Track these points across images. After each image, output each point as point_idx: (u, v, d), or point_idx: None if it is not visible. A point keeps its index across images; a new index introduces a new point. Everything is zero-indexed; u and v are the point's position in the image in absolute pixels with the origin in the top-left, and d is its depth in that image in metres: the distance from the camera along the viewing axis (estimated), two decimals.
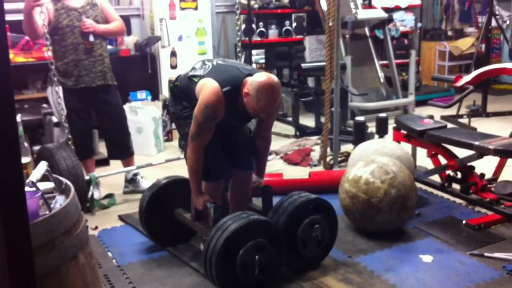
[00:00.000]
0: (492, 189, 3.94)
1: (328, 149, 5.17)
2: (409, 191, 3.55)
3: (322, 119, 5.44)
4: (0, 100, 1.28)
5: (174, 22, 6.63)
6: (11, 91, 1.31)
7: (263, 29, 7.60)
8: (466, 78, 4.63)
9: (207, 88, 3.00)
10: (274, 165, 5.22)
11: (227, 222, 2.86)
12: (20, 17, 4.11)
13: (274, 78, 2.99)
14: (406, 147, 4.40)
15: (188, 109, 3.22)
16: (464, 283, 3.05)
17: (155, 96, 6.44)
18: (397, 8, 8.51)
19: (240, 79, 3.02)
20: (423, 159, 4.64)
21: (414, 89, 6.86)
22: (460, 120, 6.65)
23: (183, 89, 3.25)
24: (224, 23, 7.71)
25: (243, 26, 6.73)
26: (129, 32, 6.62)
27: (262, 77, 2.95)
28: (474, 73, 4.69)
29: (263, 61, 7.45)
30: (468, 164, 3.98)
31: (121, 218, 4.13)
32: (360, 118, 5.29)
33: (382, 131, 4.91)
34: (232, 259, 2.79)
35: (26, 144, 4.75)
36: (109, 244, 3.68)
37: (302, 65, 6.39)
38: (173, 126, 5.58)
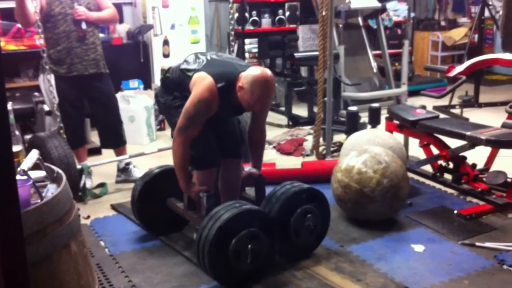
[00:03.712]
0: (484, 179, 3.96)
1: (321, 139, 5.17)
2: (401, 181, 3.56)
3: (315, 109, 5.43)
4: None
5: (166, 10, 6.59)
6: (1, 79, 1.30)
7: (256, 18, 7.57)
8: (459, 68, 4.64)
9: (201, 82, 3.00)
10: (267, 155, 5.21)
11: (219, 211, 2.86)
12: (11, 4, 4.08)
13: (267, 71, 3.01)
14: (399, 137, 4.40)
15: (179, 99, 3.21)
16: (456, 272, 3.07)
17: (147, 85, 6.41)
18: None
19: (235, 75, 3.02)
20: (415, 149, 4.65)
21: (407, 79, 6.86)
22: (453, 110, 6.65)
23: (175, 81, 3.24)
24: (217, 11, 7.68)
25: (236, 15, 6.70)
26: (121, 20, 6.58)
27: (256, 71, 2.99)
28: (467, 63, 4.70)
29: (256, 50, 7.42)
30: (460, 154, 3.99)
31: (113, 207, 4.12)
32: (353, 108, 5.29)
33: (374, 121, 4.91)
34: (225, 248, 2.79)
35: (17, 133, 4.71)
36: (102, 233, 3.67)
37: (295, 54, 6.39)
38: (163, 115, 5.53)
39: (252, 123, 3.35)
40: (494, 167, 4.18)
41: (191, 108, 2.98)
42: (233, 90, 3.02)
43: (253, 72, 2.97)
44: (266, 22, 7.70)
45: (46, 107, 4.93)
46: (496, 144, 3.74)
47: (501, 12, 8.00)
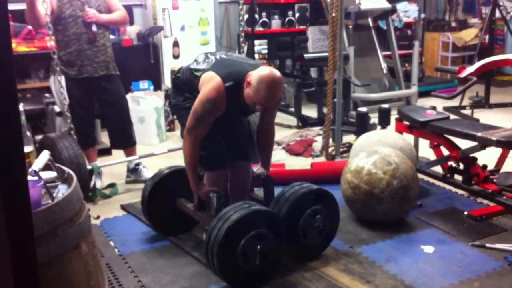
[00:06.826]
0: (494, 180, 3.94)
1: (330, 140, 5.17)
2: (411, 182, 3.55)
3: (325, 110, 5.43)
4: (3, 89, 1.28)
5: (176, 12, 6.61)
6: (13, 81, 1.31)
7: (266, 19, 7.57)
8: (469, 69, 4.62)
9: (209, 82, 3.00)
10: (276, 156, 5.22)
11: (228, 212, 2.86)
12: (22, 6, 4.10)
13: (276, 72, 2.98)
14: (409, 138, 4.38)
15: (190, 100, 3.22)
16: (466, 274, 3.06)
17: (157, 86, 6.43)
18: None
19: (243, 75, 3.02)
20: (426, 150, 4.63)
21: (417, 80, 6.83)
22: (463, 111, 6.63)
23: (185, 81, 3.26)
24: (227, 13, 7.68)
25: (246, 16, 6.72)
26: (131, 22, 6.60)
27: (264, 70, 2.97)
28: (478, 64, 4.68)
29: (265, 51, 7.42)
30: (471, 155, 3.98)
31: (123, 207, 4.13)
32: (363, 109, 5.28)
33: (384, 122, 4.90)
34: (234, 249, 2.80)
35: (28, 133, 4.75)
36: (111, 233, 3.69)
37: (305, 55, 6.38)
38: (175, 116, 5.55)
39: (261, 123, 3.35)
40: (504, 168, 4.15)
41: (199, 108, 3.00)
42: (241, 90, 3.02)
43: (261, 71, 2.96)
44: (275, 23, 7.70)
45: (57, 108, 4.95)
46: (507, 145, 3.72)
47: None
